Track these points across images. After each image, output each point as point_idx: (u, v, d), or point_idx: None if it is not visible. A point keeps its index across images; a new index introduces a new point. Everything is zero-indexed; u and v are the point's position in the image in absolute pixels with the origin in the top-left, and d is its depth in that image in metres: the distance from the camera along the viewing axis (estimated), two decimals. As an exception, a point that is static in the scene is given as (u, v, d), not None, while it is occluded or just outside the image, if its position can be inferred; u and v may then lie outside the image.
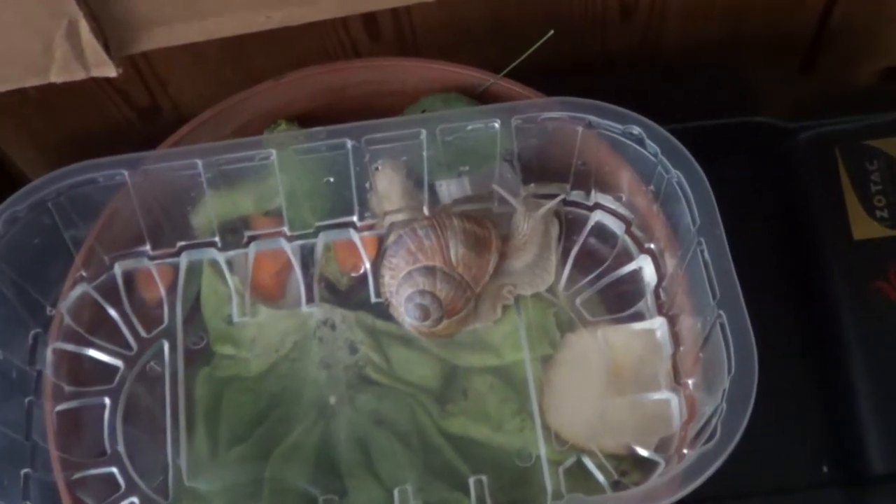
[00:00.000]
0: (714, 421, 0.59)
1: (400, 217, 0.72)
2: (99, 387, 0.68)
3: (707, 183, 0.64)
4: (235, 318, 0.70)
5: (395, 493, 0.64)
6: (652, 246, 0.70)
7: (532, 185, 0.71)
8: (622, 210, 0.71)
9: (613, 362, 0.68)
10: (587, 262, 0.71)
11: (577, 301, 0.70)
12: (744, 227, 0.64)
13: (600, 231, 0.72)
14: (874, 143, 0.77)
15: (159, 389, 0.68)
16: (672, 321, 0.68)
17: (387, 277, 0.68)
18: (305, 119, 0.77)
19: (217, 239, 0.71)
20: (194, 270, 0.72)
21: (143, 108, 0.86)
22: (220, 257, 0.72)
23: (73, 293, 0.69)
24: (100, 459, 0.66)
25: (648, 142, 0.66)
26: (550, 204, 0.70)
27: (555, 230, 0.70)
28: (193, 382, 0.69)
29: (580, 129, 0.68)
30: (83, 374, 0.69)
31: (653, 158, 0.66)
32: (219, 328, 0.70)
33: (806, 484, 0.71)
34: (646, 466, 0.65)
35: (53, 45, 0.65)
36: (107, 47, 0.66)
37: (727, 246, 0.63)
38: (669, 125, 0.67)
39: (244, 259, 0.72)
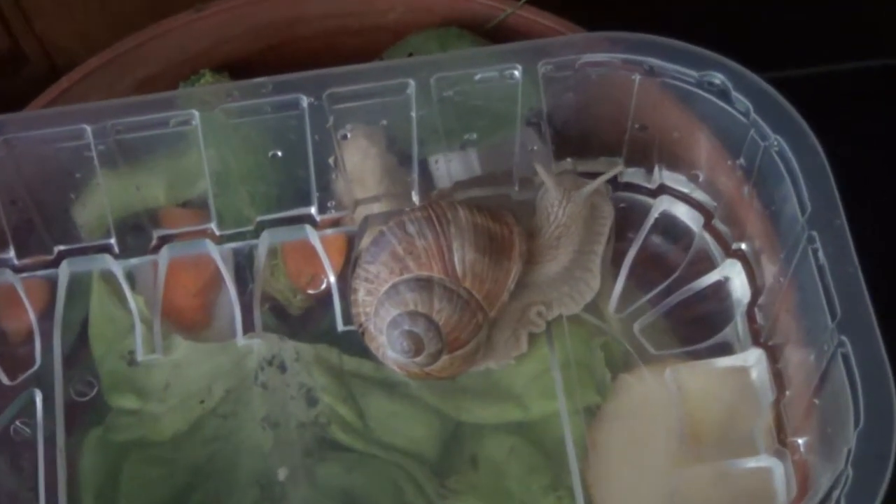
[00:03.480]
0: (836, 494, 0.60)
1: (378, 207, 0.73)
2: (-61, 457, 0.69)
3: (821, 152, 0.66)
4: (140, 356, 0.71)
5: None
6: (743, 246, 0.71)
7: (568, 159, 0.73)
8: (699, 195, 0.73)
9: (689, 415, 0.68)
10: (649, 270, 0.72)
11: (636, 327, 0.71)
12: (875, 216, 0.67)
13: (668, 225, 0.73)
14: None
15: (28, 460, 0.68)
16: (773, 354, 0.69)
17: (361, 293, 0.69)
18: (240, 67, 0.78)
19: (113, 241, 0.72)
20: (80, 287, 0.72)
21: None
22: (118, 267, 0.72)
23: None
24: (-60, 565, 0.67)
25: (736, 95, 0.67)
26: (599, 180, 0.70)
27: (607, 214, 0.72)
28: (79, 450, 0.69)
29: (637, 77, 0.69)
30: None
31: (743, 119, 0.68)
32: (116, 371, 0.71)
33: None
34: (738, 564, 0.66)
35: None
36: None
37: (851, 243, 0.64)
38: (767, 72, 0.68)
39: (152, 270, 0.73)
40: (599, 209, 0.72)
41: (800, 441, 0.66)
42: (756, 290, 0.71)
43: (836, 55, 0.88)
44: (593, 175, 0.72)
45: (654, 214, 0.73)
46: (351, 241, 0.72)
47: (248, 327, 0.72)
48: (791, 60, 0.81)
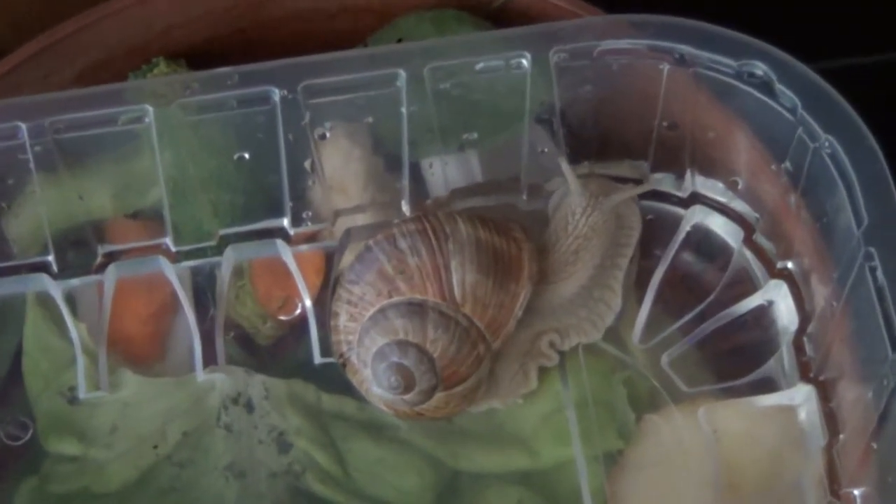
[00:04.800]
0: (899, 555, 0.61)
1: (363, 219, 0.73)
2: None
3: (881, 155, 0.66)
4: (83, 394, 0.71)
5: None
6: (789, 265, 0.72)
7: (585, 163, 0.73)
8: (738, 204, 0.73)
9: (726, 462, 0.69)
10: (680, 293, 0.73)
11: (664, 359, 0.71)
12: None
13: (702, 240, 0.73)
14: None
15: (-49, 516, 0.69)
16: (825, 391, 0.69)
17: (342, 319, 0.69)
18: (200, 55, 0.78)
19: (51, 258, 0.72)
20: (12, 312, 0.73)
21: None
22: (57, 289, 0.72)
23: None
24: None
25: (781, 88, 0.68)
26: (634, 189, 0.71)
27: (635, 225, 0.72)
28: (10, 502, 0.69)
29: (666, 67, 0.69)
30: None
31: (789, 116, 0.68)
32: (54, 410, 0.71)
33: None
34: None
35: None
36: None
37: (916, 261, 0.64)
38: (817, 62, 0.68)
39: (97, 292, 0.73)
40: (626, 219, 0.72)
41: (856, 492, 0.67)
42: (805, 317, 0.71)
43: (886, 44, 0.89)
44: (616, 181, 0.73)
45: (686, 228, 0.74)
46: (330, 259, 0.72)
47: (210, 360, 0.72)
48: (851, 47, 0.82)
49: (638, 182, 0.73)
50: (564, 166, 0.70)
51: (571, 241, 0.71)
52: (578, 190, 0.70)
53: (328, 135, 0.71)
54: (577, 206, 0.70)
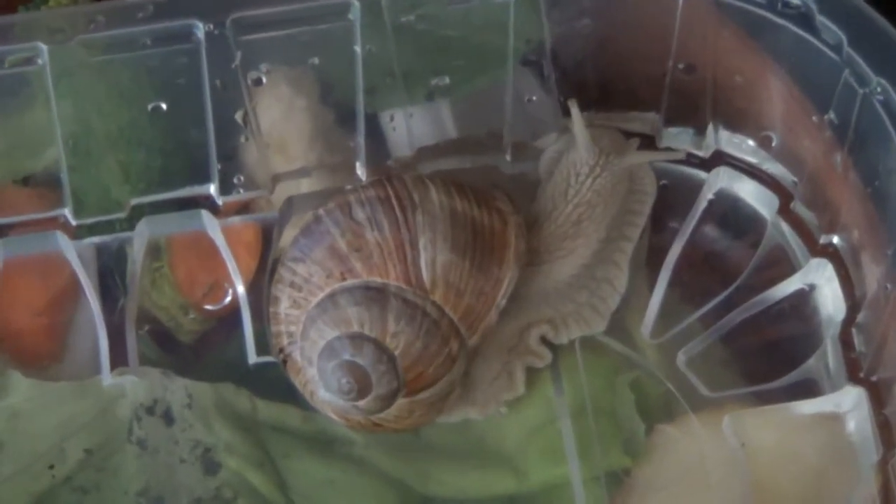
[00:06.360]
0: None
1: (308, 185, 0.72)
2: None
3: (947, 103, 0.65)
4: (-39, 402, 0.71)
5: None
6: (835, 240, 0.71)
7: (584, 113, 0.71)
8: (772, 166, 0.73)
9: (758, 482, 0.68)
10: (701, 275, 0.73)
11: (682, 357, 0.71)
12: None
13: (728, 211, 0.73)
14: None
15: None
16: (878, 395, 0.69)
17: (284, 305, 0.68)
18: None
19: (-78, 233, 0.72)
20: None
21: None
22: (-72, 272, 0.72)
23: None
24: None
25: (823, 20, 0.67)
26: (660, 154, 0.72)
27: (649, 190, 0.72)
28: None
29: (682, -4, 0.69)
30: None
31: (834, 55, 0.67)
32: (-74, 422, 0.70)
33: None
34: None
35: None
36: None
37: None
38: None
39: (-21, 276, 0.72)
40: (639, 181, 0.72)
41: (918, 520, 0.67)
42: (853, 304, 0.70)
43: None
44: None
45: (708, 195, 0.73)
46: (268, 234, 0.72)
47: (119, 360, 0.71)
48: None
49: (650, 140, 0.72)
50: (574, 111, 0.70)
51: (572, 209, 0.70)
52: (587, 144, 0.70)
53: (265, 80, 0.71)
54: (584, 165, 0.70)
